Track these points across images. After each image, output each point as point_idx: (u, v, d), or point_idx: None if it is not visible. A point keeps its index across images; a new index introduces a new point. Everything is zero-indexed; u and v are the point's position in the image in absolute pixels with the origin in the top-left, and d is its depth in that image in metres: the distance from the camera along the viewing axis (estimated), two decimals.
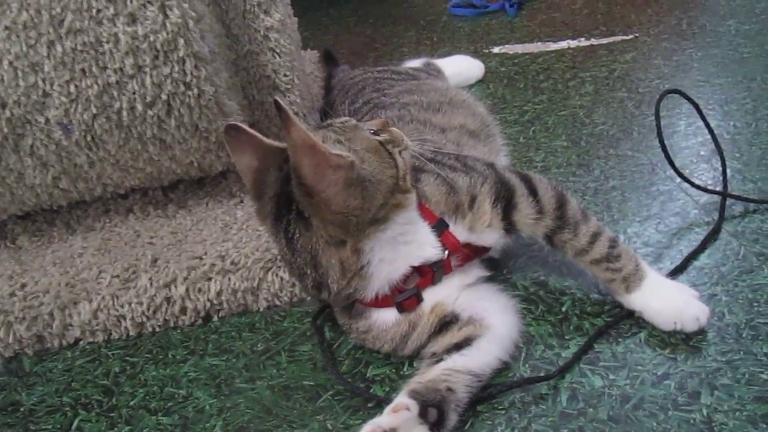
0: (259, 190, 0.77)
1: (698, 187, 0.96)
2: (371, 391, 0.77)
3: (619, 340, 0.77)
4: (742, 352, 0.72)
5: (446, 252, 0.78)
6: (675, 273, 0.84)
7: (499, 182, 0.81)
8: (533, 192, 0.81)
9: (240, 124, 0.76)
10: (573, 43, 1.67)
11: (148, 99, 0.93)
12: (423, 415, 0.67)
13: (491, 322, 0.77)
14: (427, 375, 0.72)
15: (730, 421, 0.64)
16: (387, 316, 0.79)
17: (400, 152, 0.76)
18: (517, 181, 0.82)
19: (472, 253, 0.81)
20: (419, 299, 0.78)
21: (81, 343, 0.95)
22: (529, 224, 0.80)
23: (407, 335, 0.78)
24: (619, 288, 0.78)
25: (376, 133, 0.76)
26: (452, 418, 0.69)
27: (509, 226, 0.80)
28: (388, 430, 0.63)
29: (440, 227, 0.77)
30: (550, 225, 0.79)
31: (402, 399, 0.68)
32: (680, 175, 0.94)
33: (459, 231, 0.78)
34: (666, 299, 0.77)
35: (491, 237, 0.81)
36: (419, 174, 0.80)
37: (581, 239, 0.79)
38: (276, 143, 0.76)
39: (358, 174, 0.69)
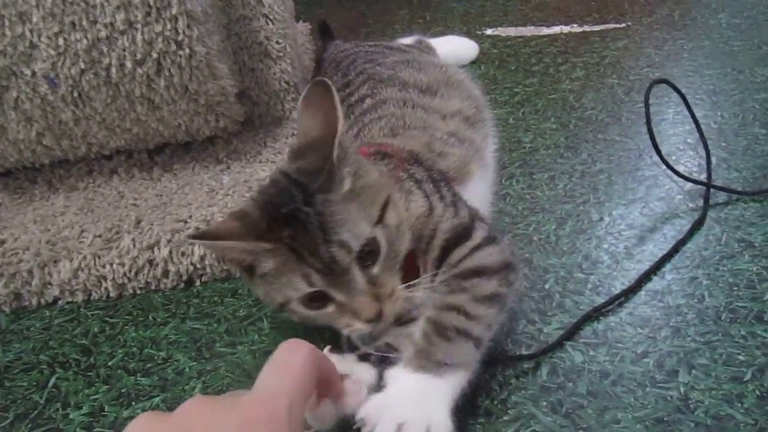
0: (297, 154, 0.70)
1: (683, 176, 0.96)
2: None
3: (600, 318, 0.77)
4: (720, 334, 0.73)
5: None
6: (663, 261, 0.84)
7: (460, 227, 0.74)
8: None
9: (333, 88, 0.65)
10: (566, 29, 1.68)
11: (138, 56, 0.91)
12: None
13: None
14: None
15: (706, 399, 0.65)
16: None
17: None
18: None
19: None
20: None
21: (60, 302, 0.94)
22: None
23: None
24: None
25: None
26: None
27: None
28: None
29: None
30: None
31: None
32: (666, 164, 0.95)
33: None
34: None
35: None
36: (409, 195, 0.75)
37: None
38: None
39: None
